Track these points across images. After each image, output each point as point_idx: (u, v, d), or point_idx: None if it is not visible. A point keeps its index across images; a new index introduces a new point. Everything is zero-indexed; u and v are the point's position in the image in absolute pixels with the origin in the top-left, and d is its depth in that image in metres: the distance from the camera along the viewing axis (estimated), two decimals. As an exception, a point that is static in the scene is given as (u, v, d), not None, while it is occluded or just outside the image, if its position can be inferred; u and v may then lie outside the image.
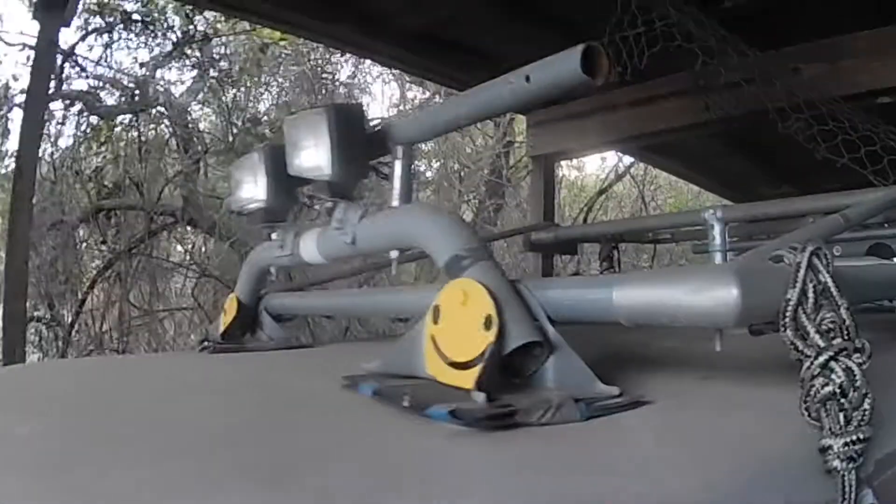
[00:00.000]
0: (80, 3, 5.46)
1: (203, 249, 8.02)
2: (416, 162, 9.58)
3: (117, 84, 7.03)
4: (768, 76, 2.99)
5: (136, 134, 7.35)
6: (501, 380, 0.92)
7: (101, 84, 7.00)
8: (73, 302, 7.26)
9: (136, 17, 6.65)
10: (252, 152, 1.71)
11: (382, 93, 9.21)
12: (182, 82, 7.44)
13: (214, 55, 7.39)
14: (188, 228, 7.74)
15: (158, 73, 7.19)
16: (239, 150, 7.21)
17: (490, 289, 0.94)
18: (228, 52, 7.69)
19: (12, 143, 6.83)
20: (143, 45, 6.83)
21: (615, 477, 0.69)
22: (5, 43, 7.00)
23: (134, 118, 7.17)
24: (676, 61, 3.12)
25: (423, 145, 9.34)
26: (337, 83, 8.56)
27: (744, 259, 0.96)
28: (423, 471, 0.71)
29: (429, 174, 9.36)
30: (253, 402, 1.10)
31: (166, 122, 7.37)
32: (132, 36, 6.72)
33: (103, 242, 7.38)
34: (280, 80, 8.15)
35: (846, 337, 0.76)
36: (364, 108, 1.43)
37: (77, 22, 6.60)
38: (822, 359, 0.75)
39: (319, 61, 7.97)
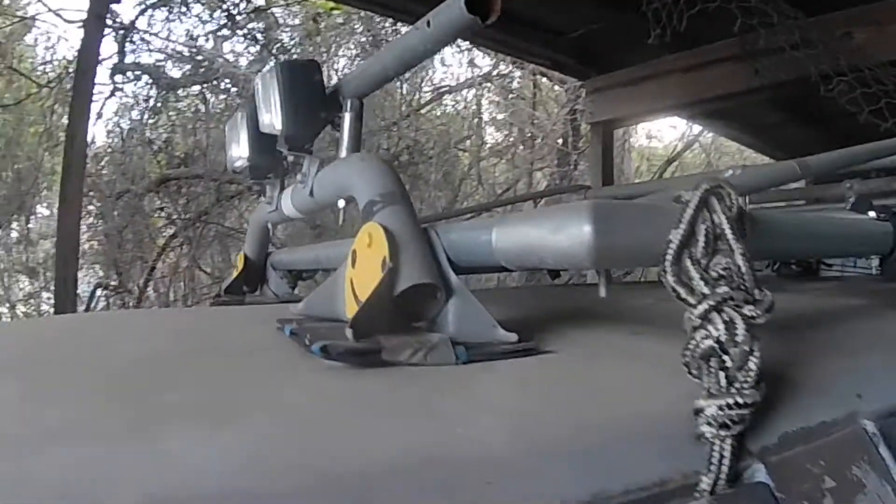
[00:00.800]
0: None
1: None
2: (490, 128, 9.56)
3: (182, 56, 7.13)
4: (817, 41, 2.84)
5: (202, 105, 7.44)
6: (399, 321, 0.89)
7: (166, 56, 7.10)
8: (143, 269, 7.43)
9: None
10: (238, 111, 1.72)
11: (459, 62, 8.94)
12: (246, 54, 7.50)
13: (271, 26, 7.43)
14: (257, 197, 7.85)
15: (223, 46, 7.24)
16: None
17: (390, 231, 0.92)
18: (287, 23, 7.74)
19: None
20: (198, 18, 6.88)
21: (451, 421, 0.65)
22: (64, 20, 7.16)
23: (200, 89, 7.26)
24: (726, 26, 3.05)
25: (493, 114, 9.28)
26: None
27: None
28: (263, 400, 0.71)
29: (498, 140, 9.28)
30: (173, 349, 1.05)
31: (233, 91, 7.45)
32: (186, 9, 6.78)
33: (171, 212, 7.52)
34: (338, 49, 8.16)
35: (738, 286, 0.66)
36: (319, 64, 1.40)
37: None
38: (701, 308, 0.65)
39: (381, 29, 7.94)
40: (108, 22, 6.59)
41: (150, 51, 7.13)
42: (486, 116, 9.38)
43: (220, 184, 7.37)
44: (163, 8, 6.70)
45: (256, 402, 0.70)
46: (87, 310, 7.26)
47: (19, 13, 7.24)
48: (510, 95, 9.12)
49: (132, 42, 6.99)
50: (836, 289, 1.64)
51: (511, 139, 9.28)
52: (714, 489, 0.60)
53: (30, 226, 7.75)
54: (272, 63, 1.35)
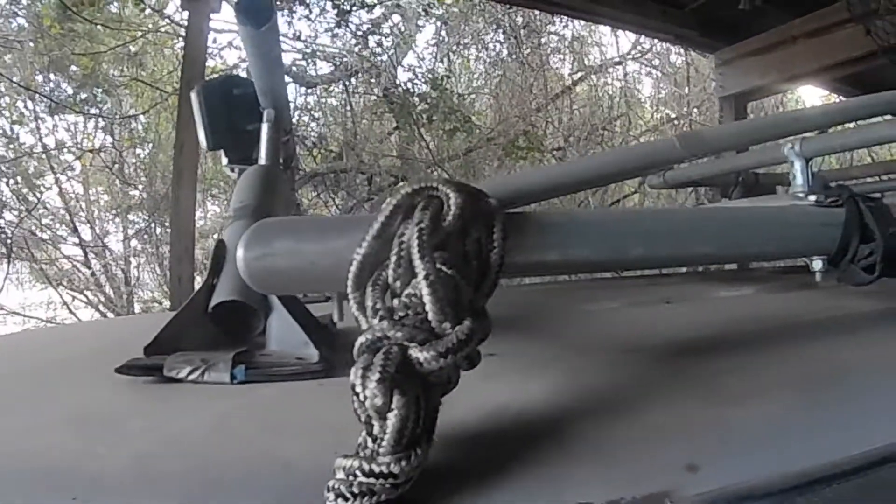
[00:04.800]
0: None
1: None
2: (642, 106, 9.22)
3: (326, 55, 7.32)
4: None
5: (347, 101, 7.62)
6: (219, 336, 0.92)
7: (306, 55, 7.31)
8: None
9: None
10: None
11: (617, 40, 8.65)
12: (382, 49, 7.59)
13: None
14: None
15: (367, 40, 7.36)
16: (442, 111, 7.27)
17: (222, 246, 0.95)
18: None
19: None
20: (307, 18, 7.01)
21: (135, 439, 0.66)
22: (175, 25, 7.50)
23: (345, 85, 7.43)
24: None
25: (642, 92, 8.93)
26: (549, 34, 8.38)
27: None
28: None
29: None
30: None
31: (375, 87, 7.58)
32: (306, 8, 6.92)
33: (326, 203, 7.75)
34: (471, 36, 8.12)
35: (412, 321, 0.55)
36: (237, 79, 1.44)
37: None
38: (357, 345, 0.54)
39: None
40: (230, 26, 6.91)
41: (284, 51, 7.36)
42: (636, 94, 9.02)
43: (370, 176, 7.53)
44: (282, 9, 6.87)
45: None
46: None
47: (150, 26, 7.68)
48: (660, 72, 8.73)
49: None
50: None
51: (665, 115, 8.88)
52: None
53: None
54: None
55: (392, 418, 0.51)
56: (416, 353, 0.53)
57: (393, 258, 0.58)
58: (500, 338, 0.93)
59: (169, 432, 0.67)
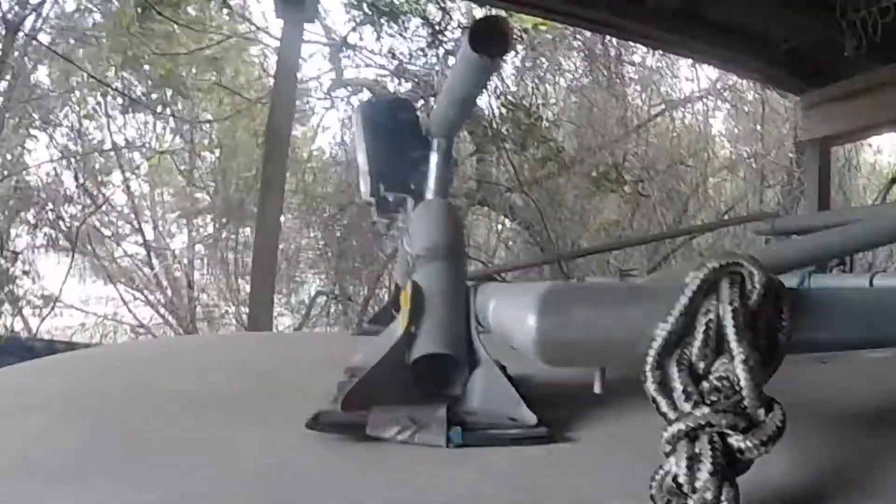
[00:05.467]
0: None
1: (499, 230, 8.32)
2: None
3: (400, 71, 7.33)
4: None
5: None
6: (415, 390, 0.82)
7: (388, 72, 7.34)
8: (367, 278, 7.67)
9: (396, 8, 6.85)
10: None
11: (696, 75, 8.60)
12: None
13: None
14: (484, 209, 7.96)
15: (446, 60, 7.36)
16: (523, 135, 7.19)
17: (419, 291, 0.88)
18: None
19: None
20: (402, 36, 7.03)
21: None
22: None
23: (425, 103, 7.45)
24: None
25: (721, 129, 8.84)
26: (632, 64, 8.35)
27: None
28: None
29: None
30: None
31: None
32: (399, 26, 6.93)
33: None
34: (557, 65, 8.09)
35: (728, 406, 0.51)
36: (407, 102, 1.42)
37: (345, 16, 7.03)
38: (672, 430, 0.50)
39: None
40: (322, 38, 6.94)
41: (367, 66, 7.42)
42: (714, 130, 8.94)
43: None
44: (370, 25, 6.90)
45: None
46: (306, 316, 7.66)
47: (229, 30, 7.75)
48: (738, 110, 8.64)
49: (348, 58, 7.31)
50: None
51: (740, 154, 8.78)
52: None
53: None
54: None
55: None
56: (738, 441, 0.50)
57: (700, 336, 0.54)
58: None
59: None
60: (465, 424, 0.75)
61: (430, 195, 1.23)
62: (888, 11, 3.28)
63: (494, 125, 7.18)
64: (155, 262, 8.10)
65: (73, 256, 7.53)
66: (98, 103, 7.55)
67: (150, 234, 8.20)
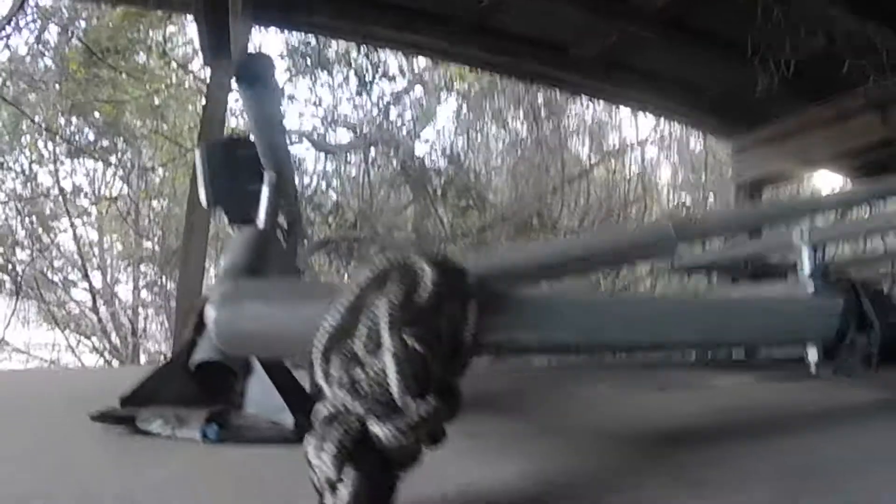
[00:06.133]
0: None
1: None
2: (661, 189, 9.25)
3: (347, 123, 7.43)
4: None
5: (365, 170, 7.70)
6: (195, 393, 0.93)
7: (326, 122, 7.43)
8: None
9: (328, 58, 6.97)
10: None
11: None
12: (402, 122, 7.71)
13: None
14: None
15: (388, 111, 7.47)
16: (458, 187, 7.31)
17: (207, 305, 0.92)
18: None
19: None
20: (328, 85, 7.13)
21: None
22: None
23: (363, 155, 7.53)
24: (854, 76, 2.85)
25: (661, 176, 8.98)
26: (569, 116, 8.49)
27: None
28: None
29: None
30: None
31: (394, 158, 7.67)
32: (326, 76, 7.04)
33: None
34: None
35: (374, 395, 0.54)
36: (242, 139, 1.48)
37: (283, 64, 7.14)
38: (317, 414, 0.54)
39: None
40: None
41: (304, 115, 7.50)
42: (654, 179, 9.08)
43: (384, 248, 7.56)
44: (306, 76, 7.01)
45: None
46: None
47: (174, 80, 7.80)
48: (678, 157, 8.81)
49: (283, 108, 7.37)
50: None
51: (679, 202, 8.92)
52: None
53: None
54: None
55: (342, 490, 0.50)
56: (376, 427, 0.53)
57: (363, 330, 0.57)
58: (484, 417, 0.93)
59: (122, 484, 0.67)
60: (226, 424, 0.83)
61: (260, 224, 1.28)
62: (797, 50, 3.39)
63: (426, 175, 7.30)
64: (102, 308, 8.01)
65: (17, 299, 7.44)
66: (47, 148, 7.54)
67: (98, 281, 8.14)
